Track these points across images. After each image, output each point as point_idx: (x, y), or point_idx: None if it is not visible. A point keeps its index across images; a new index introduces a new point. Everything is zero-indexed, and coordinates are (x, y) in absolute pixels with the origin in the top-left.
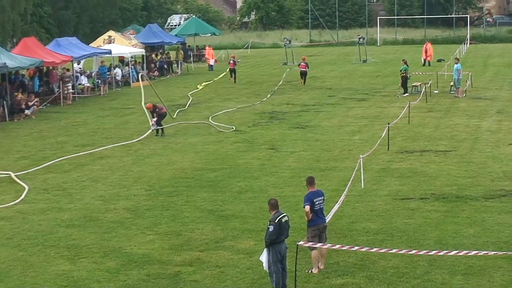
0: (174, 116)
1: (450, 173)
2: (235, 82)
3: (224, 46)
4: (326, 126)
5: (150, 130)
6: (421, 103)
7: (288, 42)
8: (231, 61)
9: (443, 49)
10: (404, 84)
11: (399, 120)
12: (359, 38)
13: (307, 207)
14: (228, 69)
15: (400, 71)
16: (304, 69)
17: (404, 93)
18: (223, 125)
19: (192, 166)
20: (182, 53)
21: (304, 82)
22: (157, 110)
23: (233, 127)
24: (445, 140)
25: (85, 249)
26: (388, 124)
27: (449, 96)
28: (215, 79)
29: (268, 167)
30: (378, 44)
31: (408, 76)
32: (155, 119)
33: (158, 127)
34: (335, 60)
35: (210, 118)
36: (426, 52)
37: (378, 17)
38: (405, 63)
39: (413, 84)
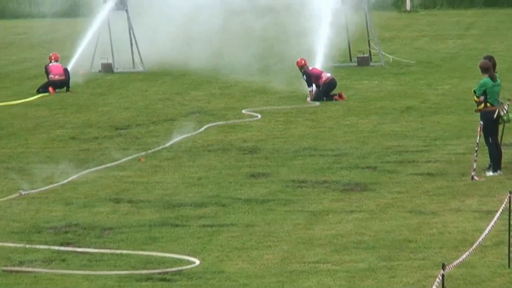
0: None
1: None
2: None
3: None
4: (247, 272)
5: None
6: None
7: None
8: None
9: None
10: (490, 137)
11: (474, 252)
12: None
13: None
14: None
15: (475, 94)
16: None
17: (494, 168)
18: None
19: None
20: None
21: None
22: None
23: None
24: None
25: None
26: (443, 267)
27: None
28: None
29: None
30: (408, 8)
31: (505, 112)
32: None
33: None
34: (269, 56)
35: None
36: None
37: None
38: (487, 69)
39: None
